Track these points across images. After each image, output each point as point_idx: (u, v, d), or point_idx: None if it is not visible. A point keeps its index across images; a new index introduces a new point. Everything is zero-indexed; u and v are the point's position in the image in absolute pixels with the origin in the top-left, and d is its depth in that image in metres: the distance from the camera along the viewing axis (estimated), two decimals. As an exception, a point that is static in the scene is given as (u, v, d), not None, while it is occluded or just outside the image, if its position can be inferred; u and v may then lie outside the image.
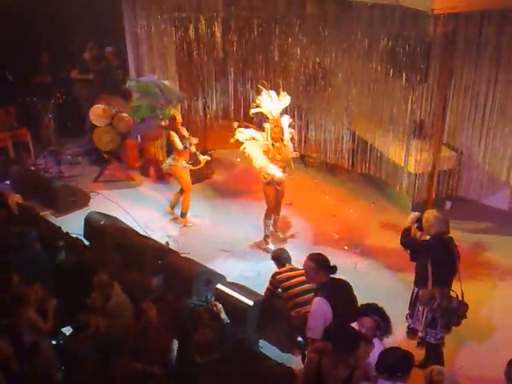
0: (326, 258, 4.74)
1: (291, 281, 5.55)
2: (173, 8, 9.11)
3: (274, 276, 5.64)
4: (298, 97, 8.51)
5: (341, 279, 4.70)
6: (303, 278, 5.61)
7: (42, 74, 10.28)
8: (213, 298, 5.45)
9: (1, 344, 4.50)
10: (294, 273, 5.64)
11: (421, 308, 5.07)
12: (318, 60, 8.15)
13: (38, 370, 4.55)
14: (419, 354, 5.02)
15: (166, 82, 8.33)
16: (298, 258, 6.24)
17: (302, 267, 5.75)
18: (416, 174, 7.50)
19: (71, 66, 10.45)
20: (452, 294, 5.01)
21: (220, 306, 5.08)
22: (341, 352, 3.93)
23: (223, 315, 5.02)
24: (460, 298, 5.01)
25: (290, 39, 8.29)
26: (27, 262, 5.77)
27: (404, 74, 7.26)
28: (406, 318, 5.23)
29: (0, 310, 4.96)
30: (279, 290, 5.59)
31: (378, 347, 4.15)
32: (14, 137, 9.78)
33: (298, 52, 8.30)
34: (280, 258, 5.79)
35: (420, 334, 5.11)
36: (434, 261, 4.93)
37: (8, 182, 8.93)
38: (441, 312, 4.97)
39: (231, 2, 8.62)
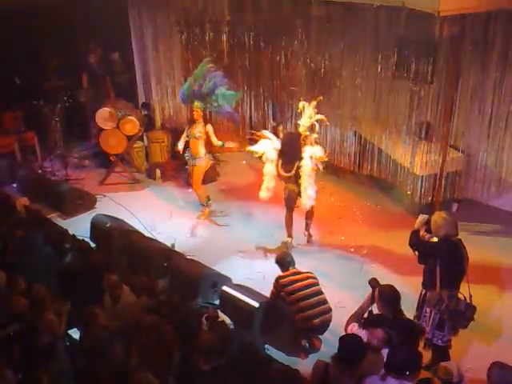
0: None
1: (295, 285, 5.55)
2: (179, 12, 9.15)
3: (277, 280, 5.64)
4: (303, 99, 8.53)
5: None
6: (307, 281, 5.62)
7: (51, 80, 10.32)
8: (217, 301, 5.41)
9: None
10: (297, 277, 5.64)
11: (428, 310, 5.05)
12: (323, 62, 8.14)
13: (53, 372, 4.56)
14: (426, 356, 4.98)
15: (228, 92, 7.90)
16: (302, 262, 6.27)
17: (305, 271, 5.79)
18: (422, 176, 7.48)
19: (82, 72, 10.45)
20: (460, 296, 4.99)
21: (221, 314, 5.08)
22: (345, 362, 3.91)
23: (226, 319, 5.02)
24: (468, 301, 4.98)
25: (295, 41, 8.29)
26: (36, 264, 5.81)
27: (410, 76, 7.25)
28: (414, 319, 5.20)
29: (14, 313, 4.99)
30: (283, 294, 5.58)
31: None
32: (21, 140, 9.84)
33: (304, 54, 8.30)
34: (283, 262, 5.78)
35: (427, 335, 5.08)
36: (442, 263, 4.91)
37: (15, 185, 8.98)
38: (448, 314, 4.94)
39: (237, 5, 8.63)
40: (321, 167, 7.04)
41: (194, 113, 7.73)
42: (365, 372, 3.95)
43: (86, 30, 9.87)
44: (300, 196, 7.03)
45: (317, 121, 6.99)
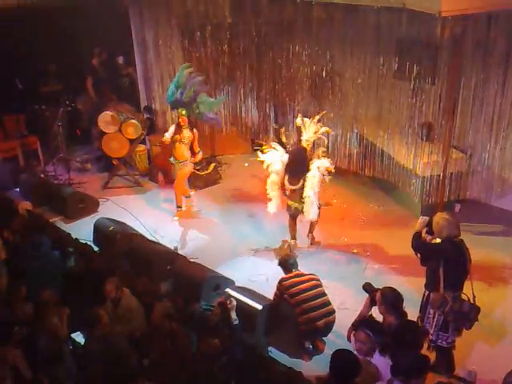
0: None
1: (298, 287, 5.55)
2: (180, 15, 9.16)
3: (280, 282, 5.64)
4: (305, 101, 8.54)
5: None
6: (310, 283, 5.62)
7: (50, 84, 10.33)
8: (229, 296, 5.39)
9: (13, 352, 4.52)
10: (300, 278, 5.64)
11: (431, 311, 5.03)
12: (325, 64, 8.14)
13: (59, 376, 4.56)
14: (430, 358, 4.97)
15: (210, 100, 8.18)
16: (305, 264, 6.27)
17: (308, 272, 5.79)
18: (425, 177, 7.46)
19: (86, 74, 10.44)
20: (463, 296, 4.97)
21: (234, 303, 5.09)
22: (339, 379, 3.81)
23: (234, 314, 5.02)
24: (471, 301, 4.96)
25: (297, 43, 8.29)
26: (42, 268, 5.84)
27: (412, 77, 7.24)
28: (417, 321, 5.18)
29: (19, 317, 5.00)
30: (286, 296, 5.58)
31: (379, 361, 4.09)
32: (24, 145, 9.89)
33: (306, 56, 8.30)
34: (286, 264, 5.78)
35: (431, 337, 5.06)
36: (445, 264, 4.89)
37: (18, 190, 9.00)
38: (453, 316, 4.93)
39: (238, 7, 8.64)
40: (327, 178, 7.08)
41: (180, 119, 7.88)
42: None
43: (87, 34, 9.86)
44: (303, 211, 7.11)
45: (322, 133, 7.09)
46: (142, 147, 9.76)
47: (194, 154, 8.11)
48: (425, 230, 5.16)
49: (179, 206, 8.28)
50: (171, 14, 9.22)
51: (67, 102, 9.44)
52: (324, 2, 7.43)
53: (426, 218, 5.19)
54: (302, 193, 7.03)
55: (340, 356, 3.86)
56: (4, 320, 4.77)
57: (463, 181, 7.57)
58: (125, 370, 4.25)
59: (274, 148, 7.28)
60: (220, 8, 8.75)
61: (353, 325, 4.66)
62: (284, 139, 8.55)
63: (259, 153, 7.36)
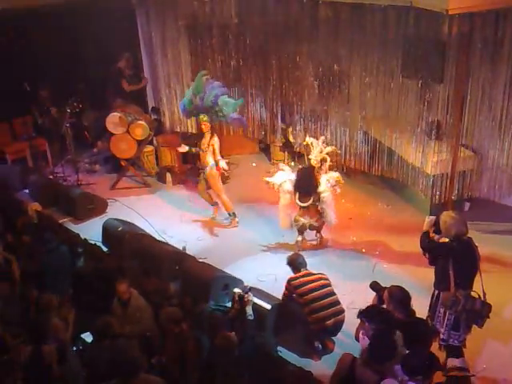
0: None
1: (307, 286, 5.55)
2: (186, 16, 9.18)
3: (289, 282, 5.65)
4: (312, 100, 8.53)
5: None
6: (319, 283, 5.62)
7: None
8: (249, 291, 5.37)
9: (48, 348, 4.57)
10: (309, 278, 5.64)
11: (442, 310, 5.01)
12: (332, 63, 8.13)
13: (65, 377, 4.58)
14: (441, 357, 4.95)
15: (231, 100, 7.86)
16: (313, 263, 6.26)
17: (317, 272, 5.78)
18: (434, 176, 7.44)
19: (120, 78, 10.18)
20: (473, 294, 4.95)
21: (251, 297, 5.09)
22: (375, 360, 3.92)
23: (249, 309, 5.03)
24: (482, 299, 4.94)
25: (303, 43, 8.28)
26: (55, 262, 5.89)
27: (420, 75, 7.21)
28: (427, 320, 5.16)
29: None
30: (295, 295, 5.58)
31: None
32: (33, 146, 9.95)
33: (312, 56, 8.29)
34: (295, 263, 5.78)
35: (442, 336, 5.04)
36: (455, 262, 4.87)
37: (27, 191, 9.05)
38: (465, 314, 4.90)
39: (244, 8, 8.65)
40: (339, 190, 7.15)
41: (203, 126, 7.67)
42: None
43: (92, 36, 9.88)
44: (310, 227, 7.27)
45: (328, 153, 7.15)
46: (149, 148, 9.79)
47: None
48: (432, 230, 5.14)
49: (232, 214, 8.09)
50: (178, 15, 9.24)
51: (75, 104, 9.46)
52: (330, 2, 7.44)
53: (433, 218, 5.17)
54: (315, 208, 7.13)
55: (380, 338, 4.00)
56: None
57: (472, 179, 7.54)
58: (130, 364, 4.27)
59: (281, 169, 7.39)
60: (227, 8, 8.76)
61: (360, 324, 4.66)
62: (291, 139, 8.57)
63: (267, 178, 7.40)
